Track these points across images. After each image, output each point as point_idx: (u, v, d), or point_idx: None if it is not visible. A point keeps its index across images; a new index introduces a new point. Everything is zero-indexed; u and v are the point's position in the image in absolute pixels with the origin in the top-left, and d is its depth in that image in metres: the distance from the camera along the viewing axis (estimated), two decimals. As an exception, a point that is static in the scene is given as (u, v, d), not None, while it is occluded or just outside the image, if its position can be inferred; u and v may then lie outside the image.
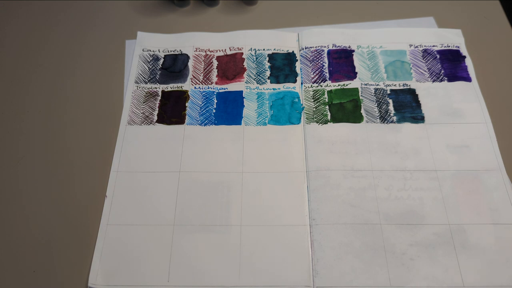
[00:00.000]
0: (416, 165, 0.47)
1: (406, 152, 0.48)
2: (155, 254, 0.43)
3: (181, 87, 0.54)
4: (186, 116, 0.52)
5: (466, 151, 0.48)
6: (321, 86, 0.54)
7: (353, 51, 0.57)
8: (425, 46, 0.57)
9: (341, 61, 0.56)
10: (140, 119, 0.52)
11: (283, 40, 0.58)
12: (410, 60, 0.56)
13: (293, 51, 0.57)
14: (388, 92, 0.53)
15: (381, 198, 0.45)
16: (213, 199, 0.46)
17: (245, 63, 0.56)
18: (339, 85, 0.54)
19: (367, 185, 0.46)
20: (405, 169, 0.47)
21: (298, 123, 0.51)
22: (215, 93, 0.54)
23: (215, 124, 0.51)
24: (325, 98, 0.53)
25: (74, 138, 0.51)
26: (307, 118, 0.51)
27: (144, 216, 0.45)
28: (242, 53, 0.57)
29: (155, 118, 0.52)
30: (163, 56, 0.57)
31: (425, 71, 0.55)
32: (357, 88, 0.53)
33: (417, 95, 0.53)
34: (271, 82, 0.54)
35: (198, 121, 0.52)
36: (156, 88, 0.54)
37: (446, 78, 0.54)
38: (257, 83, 0.54)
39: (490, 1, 0.62)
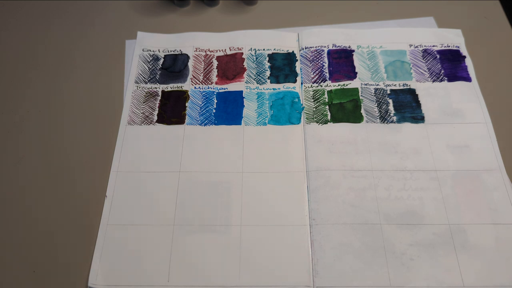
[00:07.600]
0: (416, 165, 0.47)
1: (406, 152, 0.48)
2: (155, 254, 0.43)
3: (181, 87, 0.54)
4: (186, 116, 0.52)
5: (466, 151, 0.48)
6: (321, 86, 0.54)
7: (353, 51, 0.57)
8: (425, 46, 0.57)
9: (341, 61, 0.56)
10: (140, 119, 0.52)
11: (283, 40, 0.58)
12: (410, 60, 0.56)
13: (293, 51, 0.57)
14: (388, 92, 0.53)
15: (381, 198, 0.45)
16: (213, 199, 0.46)
17: (245, 63, 0.56)
18: (339, 85, 0.54)
19: (367, 185, 0.46)
20: (405, 169, 0.47)
21: (298, 123, 0.51)
22: (215, 93, 0.54)
23: (215, 124, 0.51)
24: (325, 98, 0.53)
25: (74, 138, 0.51)
26: (307, 118, 0.51)
27: (144, 216, 0.45)
28: (242, 53, 0.57)
29: (155, 118, 0.52)
30: (163, 56, 0.57)
31: (425, 71, 0.55)
32: (357, 88, 0.53)
33: (417, 95, 0.53)
34: (271, 82, 0.54)
35: (198, 121, 0.52)
36: (156, 88, 0.54)
37: (446, 78, 0.54)
38: (257, 83, 0.54)
39: (490, 1, 0.62)
